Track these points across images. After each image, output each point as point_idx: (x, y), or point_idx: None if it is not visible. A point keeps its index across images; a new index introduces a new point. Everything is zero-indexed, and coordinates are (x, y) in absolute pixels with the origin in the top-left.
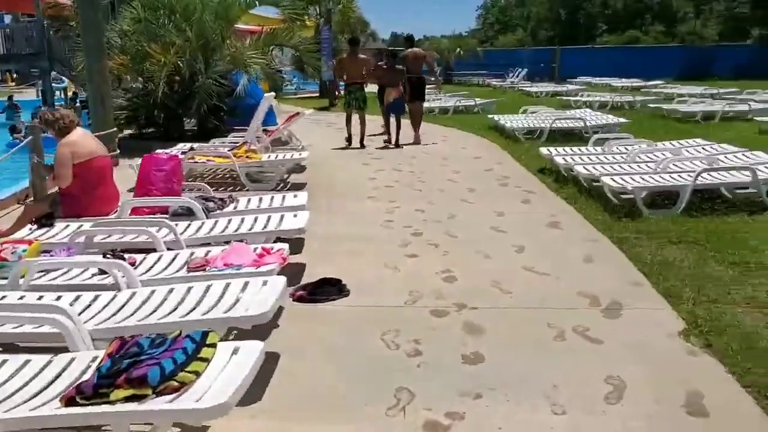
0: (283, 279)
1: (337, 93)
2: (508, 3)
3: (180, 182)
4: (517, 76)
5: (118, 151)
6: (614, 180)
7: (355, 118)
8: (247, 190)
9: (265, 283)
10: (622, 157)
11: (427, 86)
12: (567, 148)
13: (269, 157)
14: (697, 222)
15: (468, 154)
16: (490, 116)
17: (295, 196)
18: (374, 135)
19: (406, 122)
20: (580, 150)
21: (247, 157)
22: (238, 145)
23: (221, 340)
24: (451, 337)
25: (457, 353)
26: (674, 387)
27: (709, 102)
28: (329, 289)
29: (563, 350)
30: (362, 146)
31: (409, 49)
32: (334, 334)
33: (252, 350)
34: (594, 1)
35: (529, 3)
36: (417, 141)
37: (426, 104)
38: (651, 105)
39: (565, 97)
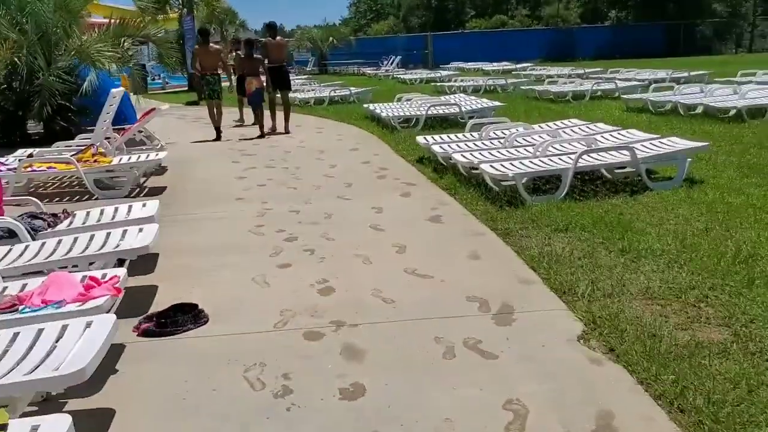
0: (112, 318)
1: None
2: None
3: (0, 199)
4: (392, 64)
5: None
6: (494, 167)
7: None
8: (96, 198)
9: (89, 324)
10: (499, 142)
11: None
12: (444, 136)
13: (120, 160)
14: (582, 206)
15: (345, 146)
16: (365, 105)
17: (144, 205)
18: (242, 126)
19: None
20: (457, 137)
21: (95, 161)
22: (83, 148)
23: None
24: (326, 367)
25: (333, 387)
26: (582, 408)
27: (579, 82)
28: (182, 317)
29: (454, 370)
30: (218, 137)
31: (270, 38)
32: (184, 376)
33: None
34: None
35: None
36: (287, 131)
37: (301, 95)
38: (523, 87)
39: (439, 83)
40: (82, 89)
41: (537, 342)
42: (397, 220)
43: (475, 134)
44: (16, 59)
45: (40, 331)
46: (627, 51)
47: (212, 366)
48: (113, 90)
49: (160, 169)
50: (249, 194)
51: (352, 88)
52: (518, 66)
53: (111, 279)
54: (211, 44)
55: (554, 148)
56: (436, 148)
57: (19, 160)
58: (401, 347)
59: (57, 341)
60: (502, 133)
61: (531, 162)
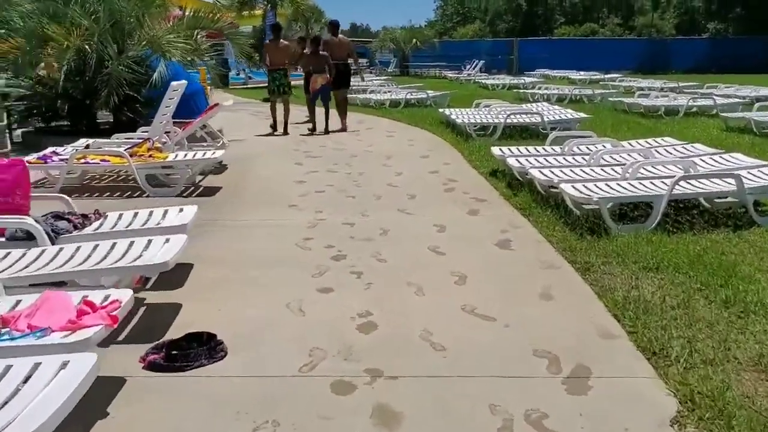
0: (92, 359)
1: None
2: None
3: (26, 194)
4: (475, 68)
5: (9, 147)
6: (575, 188)
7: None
8: (147, 196)
9: (64, 365)
10: (584, 159)
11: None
12: (522, 148)
13: (176, 156)
14: (676, 241)
15: (414, 152)
16: (441, 110)
17: (181, 210)
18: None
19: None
20: (536, 150)
21: (150, 156)
22: (140, 142)
23: None
24: None
25: None
26: None
27: (672, 96)
28: (196, 350)
29: None
30: (286, 132)
31: (334, 36)
32: (188, 424)
33: None
34: None
35: None
36: (344, 128)
37: (376, 96)
38: (611, 99)
39: (522, 90)
40: (152, 80)
41: (618, 424)
42: (460, 242)
43: (557, 148)
44: (87, 46)
45: (8, 368)
46: (725, 65)
47: (218, 416)
48: (173, 83)
49: (220, 167)
50: (305, 201)
51: (429, 92)
52: (606, 76)
53: (110, 304)
54: (281, 41)
55: (646, 170)
56: (511, 161)
57: (76, 150)
58: (447, 414)
59: (24, 382)
60: (587, 148)
61: (619, 185)
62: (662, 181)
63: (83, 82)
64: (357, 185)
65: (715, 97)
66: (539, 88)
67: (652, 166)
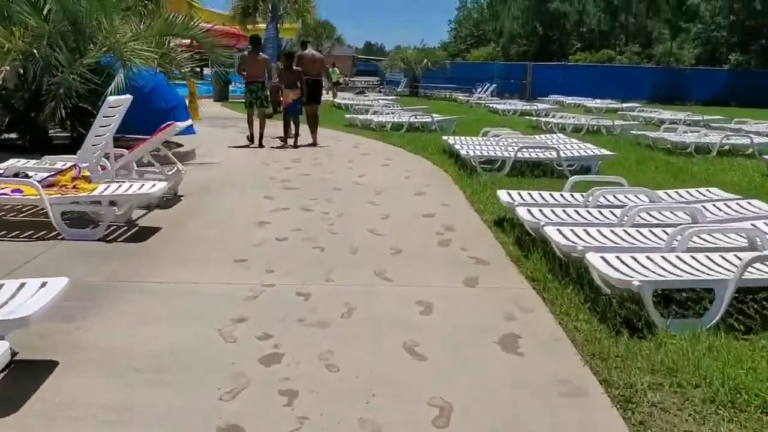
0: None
1: (280, 97)
2: (482, 17)
3: None
4: (486, 91)
5: None
6: (607, 261)
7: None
8: (63, 239)
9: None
10: (613, 213)
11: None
12: (534, 194)
13: (106, 188)
14: (750, 348)
15: (410, 186)
16: (445, 138)
17: (43, 285)
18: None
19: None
20: (553, 197)
21: (73, 187)
22: (63, 169)
23: None
24: None
25: None
26: None
27: (703, 132)
28: None
29: None
30: (261, 145)
31: (307, 51)
32: None
33: None
34: (569, 18)
35: (502, 16)
36: (314, 143)
37: (378, 118)
38: (634, 132)
39: (534, 118)
40: (108, 92)
41: None
42: (449, 336)
43: (578, 197)
44: (34, 50)
45: None
46: (745, 98)
47: None
48: (110, 98)
49: (174, 198)
50: (258, 253)
51: (435, 115)
52: (624, 105)
53: None
54: (260, 54)
55: (700, 238)
56: (522, 212)
57: None
58: None
59: None
60: (616, 198)
61: (664, 258)
62: (723, 257)
63: (27, 91)
64: (331, 231)
65: (752, 135)
66: (553, 116)
67: (708, 234)
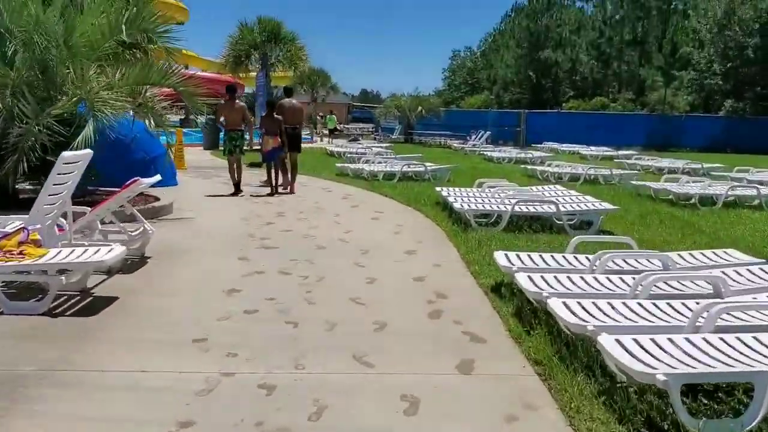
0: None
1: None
2: (475, 66)
3: None
4: (480, 139)
5: None
6: (623, 346)
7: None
8: (1, 312)
9: None
10: (623, 281)
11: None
12: (535, 256)
13: (57, 254)
14: None
15: (400, 244)
16: (438, 189)
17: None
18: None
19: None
20: (556, 261)
21: (20, 252)
22: (10, 232)
23: None
24: None
25: None
26: None
27: (707, 182)
28: None
29: None
30: (239, 190)
31: (287, 100)
32: None
33: None
34: (561, 66)
35: (495, 65)
36: (292, 191)
37: (369, 167)
38: (633, 182)
39: (530, 166)
40: (75, 143)
41: None
42: None
43: (584, 259)
44: None
45: None
46: (741, 145)
47: None
48: (65, 153)
49: (139, 261)
50: (220, 330)
51: (428, 164)
52: (620, 153)
53: None
54: (237, 101)
55: (730, 315)
56: (523, 280)
57: None
58: None
59: None
60: (626, 263)
61: (689, 342)
62: (757, 339)
63: None
64: (309, 300)
65: (756, 185)
66: (549, 165)
67: (730, 311)
